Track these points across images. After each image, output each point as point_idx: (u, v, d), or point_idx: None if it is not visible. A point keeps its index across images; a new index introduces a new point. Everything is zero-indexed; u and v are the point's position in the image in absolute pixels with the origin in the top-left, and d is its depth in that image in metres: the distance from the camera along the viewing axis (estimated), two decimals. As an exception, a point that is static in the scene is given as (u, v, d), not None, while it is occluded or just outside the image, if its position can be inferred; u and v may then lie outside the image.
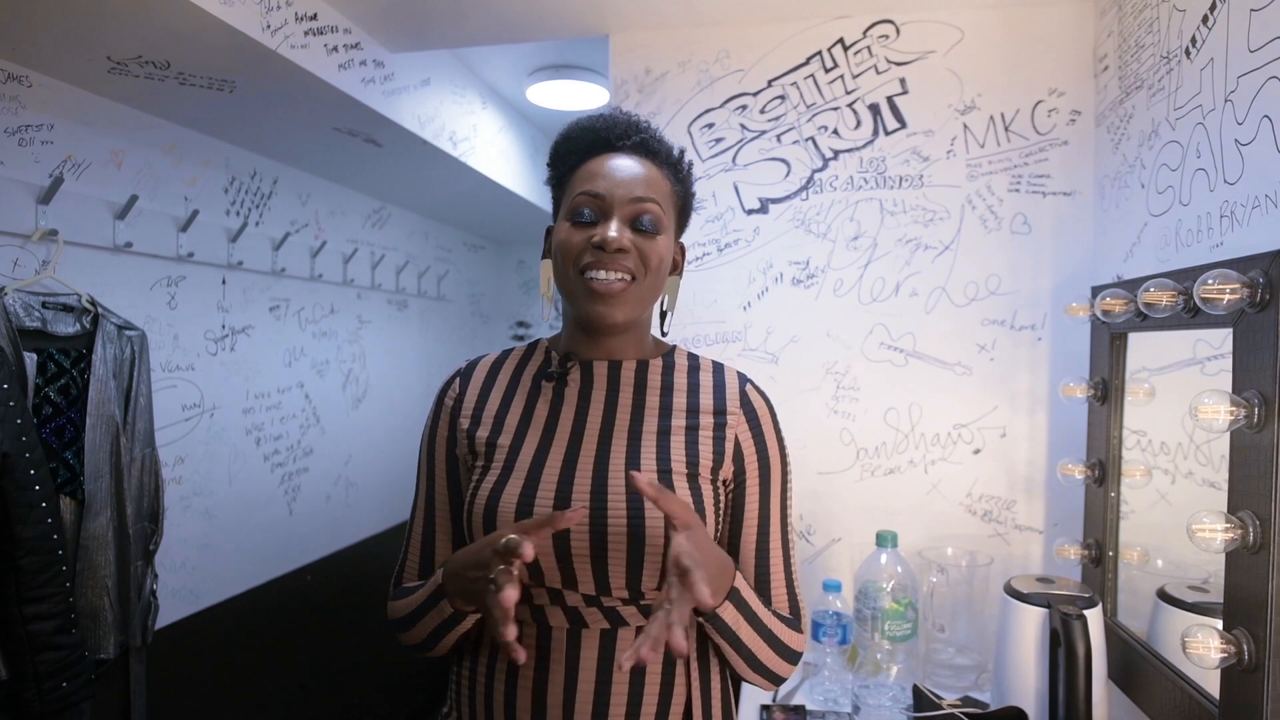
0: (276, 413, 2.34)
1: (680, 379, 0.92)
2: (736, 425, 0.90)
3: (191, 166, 1.99)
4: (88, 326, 1.58)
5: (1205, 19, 1.09)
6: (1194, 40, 1.12)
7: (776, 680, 0.89)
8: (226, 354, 2.13)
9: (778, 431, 0.93)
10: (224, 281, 2.11)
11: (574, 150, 0.90)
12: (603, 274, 0.83)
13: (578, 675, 0.83)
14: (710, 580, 0.75)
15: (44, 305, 1.51)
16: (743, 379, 0.94)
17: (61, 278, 1.57)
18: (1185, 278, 1.00)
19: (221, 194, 2.10)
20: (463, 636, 0.91)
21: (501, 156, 2.61)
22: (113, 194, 1.75)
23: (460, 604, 0.82)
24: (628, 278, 0.84)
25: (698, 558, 0.71)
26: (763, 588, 0.91)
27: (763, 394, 0.94)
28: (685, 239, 1.65)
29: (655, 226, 0.86)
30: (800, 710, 1.35)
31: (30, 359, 1.46)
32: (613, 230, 0.83)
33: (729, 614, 0.80)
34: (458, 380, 0.96)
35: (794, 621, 0.91)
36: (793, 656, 0.89)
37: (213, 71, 1.57)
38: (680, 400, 0.90)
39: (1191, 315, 0.99)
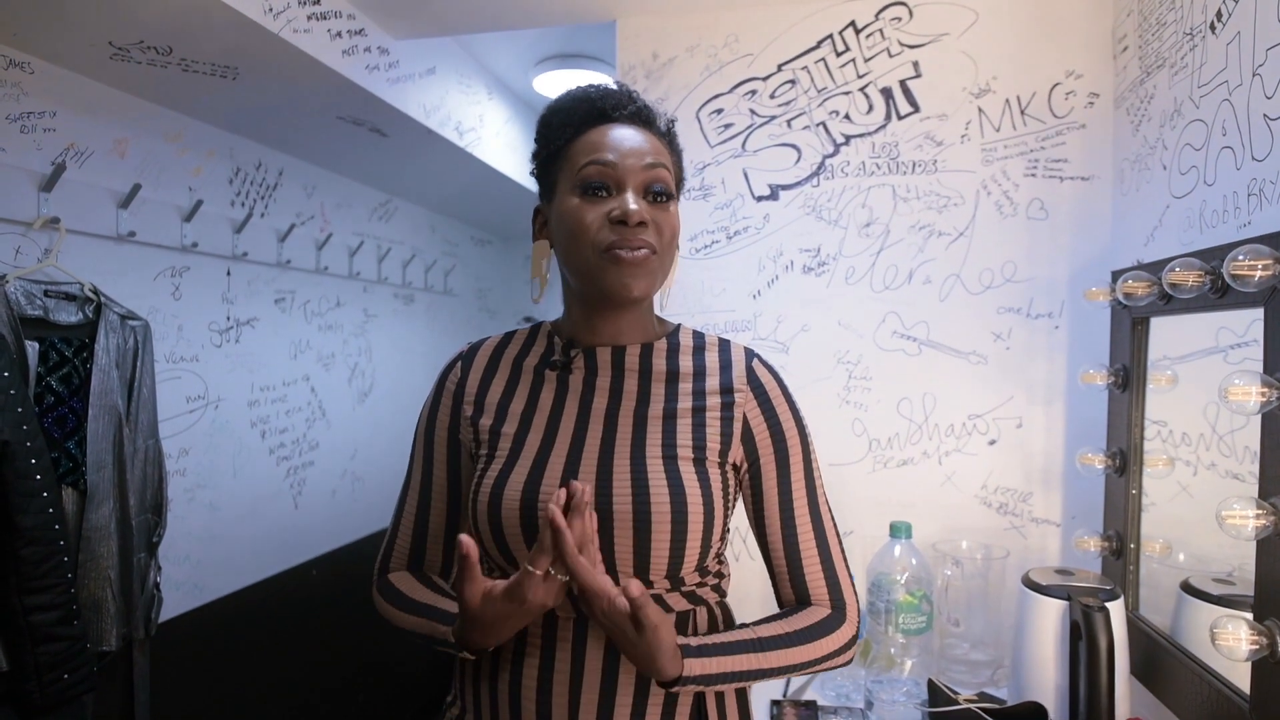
0: (282, 406, 2.33)
1: (685, 361, 0.89)
2: (745, 404, 0.87)
3: (196, 156, 1.97)
4: (90, 316, 1.56)
5: (1232, -9, 1.05)
6: (1219, 14, 1.09)
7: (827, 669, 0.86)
8: (231, 346, 2.11)
9: (791, 406, 0.90)
10: (229, 273, 2.10)
11: (568, 122, 0.86)
12: (629, 247, 0.80)
13: (584, 664, 0.80)
14: (646, 664, 0.75)
15: (46, 294, 1.50)
16: (749, 354, 0.91)
17: (64, 266, 1.55)
18: (1212, 257, 0.96)
19: (226, 184, 2.08)
20: None
21: (509, 149, 2.59)
22: (116, 182, 1.74)
23: (489, 643, 0.79)
24: (650, 252, 0.81)
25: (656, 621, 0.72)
26: (796, 579, 0.87)
27: (771, 369, 0.91)
28: (694, 225, 1.66)
29: (668, 194, 0.84)
30: (812, 706, 1.32)
31: (32, 347, 1.45)
32: (632, 203, 0.80)
33: (691, 688, 0.77)
34: (460, 364, 0.94)
35: (830, 621, 0.85)
36: (832, 658, 0.84)
37: (215, 57, 1.55)
38: (686, 384, 0.87)
39: (1219, 295, 0.95)
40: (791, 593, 0.88)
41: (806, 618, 0.85)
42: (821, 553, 0.87)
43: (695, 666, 0.76)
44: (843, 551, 0.90)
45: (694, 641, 0.78)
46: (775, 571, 0.89)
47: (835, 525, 0.90)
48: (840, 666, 0.87)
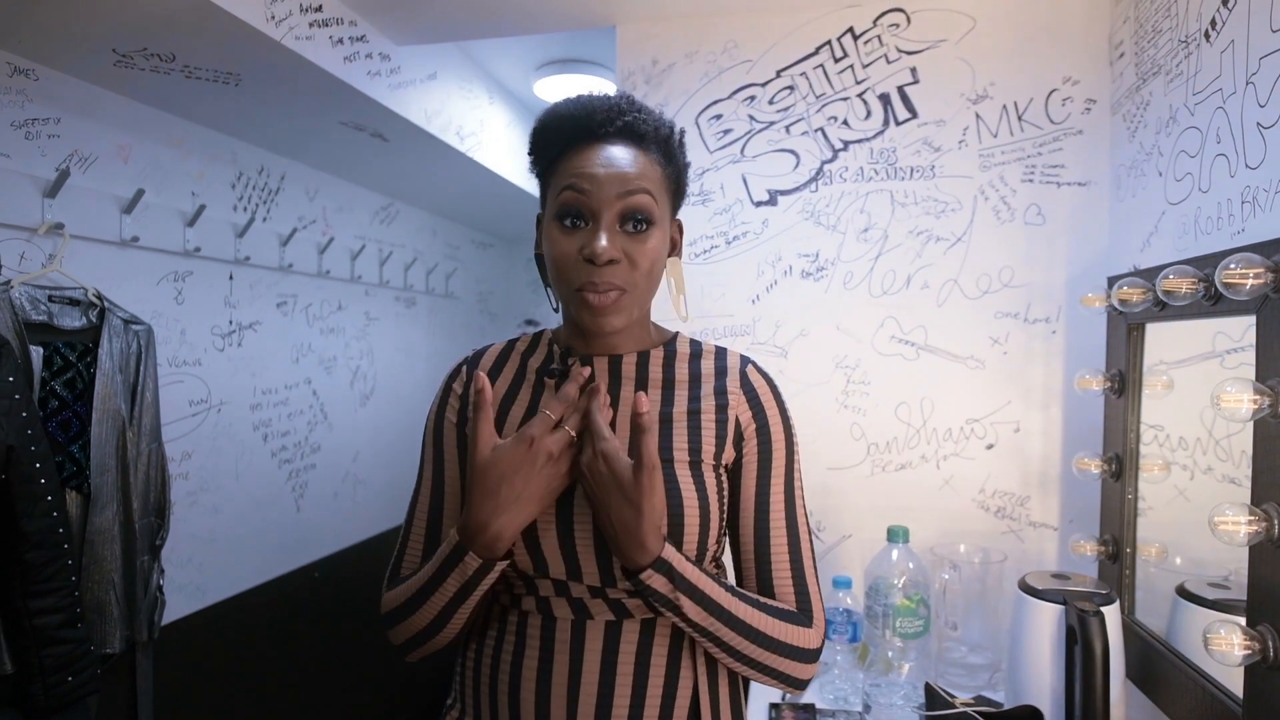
0: (284, 409, 2.34)
1: (681, 369, 0.90)
2: (737, 407, 0.88)
3: (199, 161, 1.98)
4: (94, 320, 1.57)
5: (1225, 0, 1.06)
6: (1214, 23, 1.09)
7: (788, 681, 0.84)
8: (234, 349, 2.12)
9: (781, 410, 0.90)
10: (231, 277, 2.11)
11: (554, 141, 0.84)
12: (595, 291, 0.79)
13: (582, 667, 0.81)
14: (630, 527, 0.75)
15: (50, 299, 1.51)
16: (744, 360, 0.91)
17: (68, 271, 1.56)
18: (1206, 264, 0.97)
19: (229, 189, 2.10)
20: (468, 625, 0.88)
21: (510, 152, 2.60)
22: (119, 188, 1.75)
23: (498, 531, 0.78)
24: (620, 290, 0.81)
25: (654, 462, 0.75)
26: (763, 578, 0.86)
27: (764, 374, 0.91)
28: (693, 230, 1.66)
29: (647, 222, 0.82)
30: (810, 709, 1.33)
31: (36, 352, 1.46)
32: (602, 241, 0.78)
33: (659, 583, 0.76)
34: (465, 368, 0.94)
35: (792, 615, 0.84)
36: (798, 654, 0.82)
37: (218, 64, 1.56)
38: (682, 390, 0.88)
39: (1212, 303, 0.96)
40: (756, 593, 0.87)
41: (777, 602, 0.85)
42: (792, 558, 0.86)
43: (672, 556, 0.76)
44: (814, 563, 0.89)
45: (674, 563, 0.77)
46: (742, 569, 0.88)
47: (810, 537, 0.90)
48: (801, 678, 0.84)
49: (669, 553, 0.77)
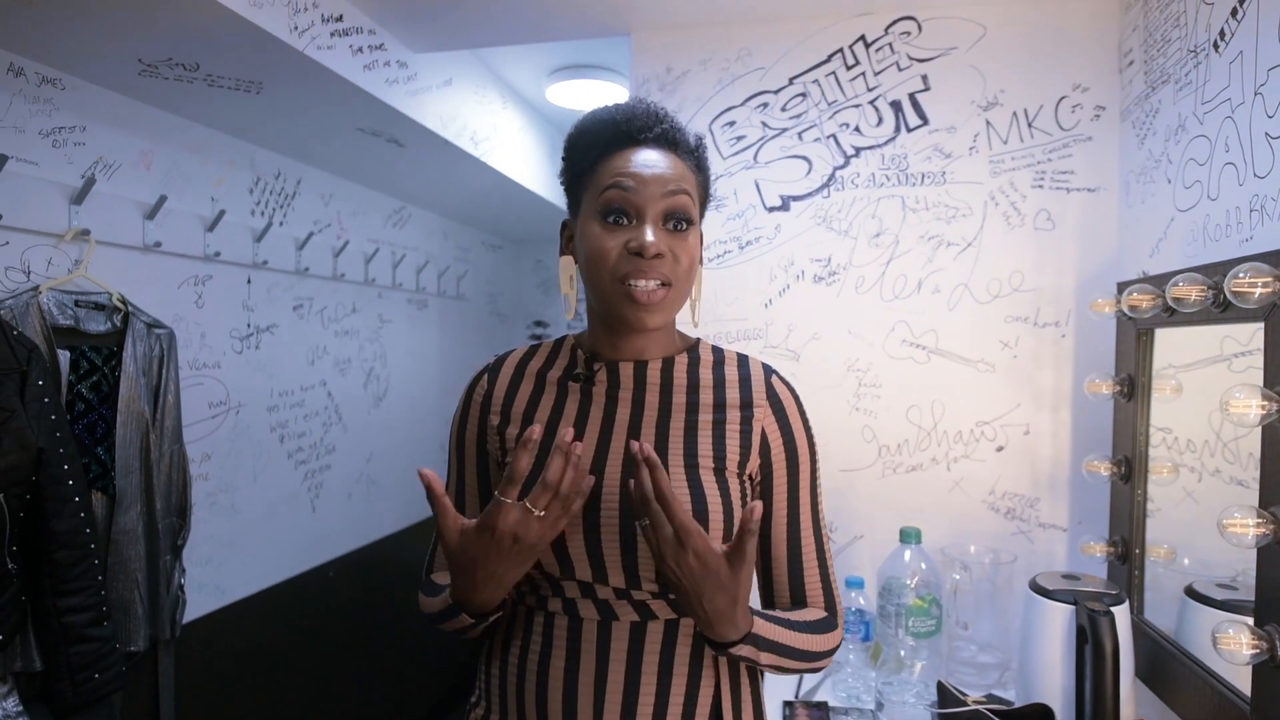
0: (300, 410, 2.37)
1: (705, 375, 0.92)
2: (763, 418, 0.90)
3: (218, 167, 2.01)
4: (118, 325, 1.60)
5: (1234, 12, 1.08)
6: (1222, 33, 1.11)
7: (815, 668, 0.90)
8: (251, 352, 2.15)
9: (805, 422, 0.93)
10: (249, 281, 2.14)
11: (593, 145, 0.87)
12: (643, 283, 0.82)
13: (608, 667, 0.83)
14: (725, 612, 0.76)
15: (76, 304, 1.54)
16: (768, 370, 0.94)
17: (93, 276, 1.60)
18: (1215, 272, 0.99)
19: (247, 194, 2.13)
20: (491, 626, 0.92)
21: (521, 156, 2.62)
22: (142, 194, 1.78)
23: (483, 601, 0.82)
24: (666, 283, 0.83)
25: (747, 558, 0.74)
26: (796, 584, 0.91)
27: (788, 385, 0.94)
28: (707, 235, 1.68)
29: (687, 221, 0.85)
30: (823, 707, 1.35)
31: (64, 356, 1.49)
32: (649, 235, 0.82)
33: (746, 651, 0.80)
34: (486, 376, 0.97)
35: (827, 622, 0.89)
36: (828, 655, 0.88)
37: (240, 73, 1.59)
38: (706, 396, 0.90)
39: (1221, 310, 0.98)
40: (789, 597, 0.92)
41: (813, 613, 0.90)
42: (819, 561, 0.92)
43: (760, 627, 0.80)
44: (831, 561, 0.95)
45: (761, 631, 0.81)
46: (775, 576, 0.92)
47: (827, 537, 0.95)
48: (820, 669, 0.90)
49: (758, 626, 0.79)
